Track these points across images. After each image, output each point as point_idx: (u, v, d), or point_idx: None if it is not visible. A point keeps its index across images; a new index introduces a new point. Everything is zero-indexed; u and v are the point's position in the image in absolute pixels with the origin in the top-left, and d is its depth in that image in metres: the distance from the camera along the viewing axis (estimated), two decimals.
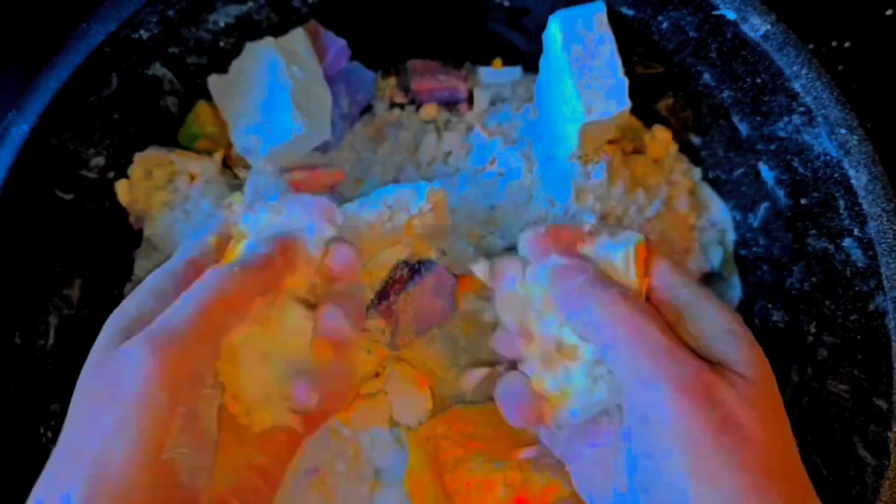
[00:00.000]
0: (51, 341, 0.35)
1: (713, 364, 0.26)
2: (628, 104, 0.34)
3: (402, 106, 0.43)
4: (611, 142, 0.38)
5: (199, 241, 0.31)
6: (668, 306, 0.29)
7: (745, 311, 0.40)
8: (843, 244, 0.33)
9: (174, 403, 0.25)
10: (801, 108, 0.33)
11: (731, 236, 0.41)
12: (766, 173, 0.37)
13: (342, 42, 0.39)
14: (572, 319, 0.29)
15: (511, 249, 0.37)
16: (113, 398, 0.24)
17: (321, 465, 0.35)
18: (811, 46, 0.33)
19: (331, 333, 0.29)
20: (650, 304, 0.29)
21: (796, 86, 0.33)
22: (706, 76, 0.37)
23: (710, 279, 0.41)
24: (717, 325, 0.27)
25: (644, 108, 0.40)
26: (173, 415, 0.25)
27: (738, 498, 0.23)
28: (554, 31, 0.35)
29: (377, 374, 0.37)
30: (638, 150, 0.41)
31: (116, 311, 0.28)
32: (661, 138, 0.41)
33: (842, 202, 0.33)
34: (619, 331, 0.27)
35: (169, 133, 0.39)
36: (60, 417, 0.35)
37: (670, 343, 0.26)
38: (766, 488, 0.23)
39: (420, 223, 0.35)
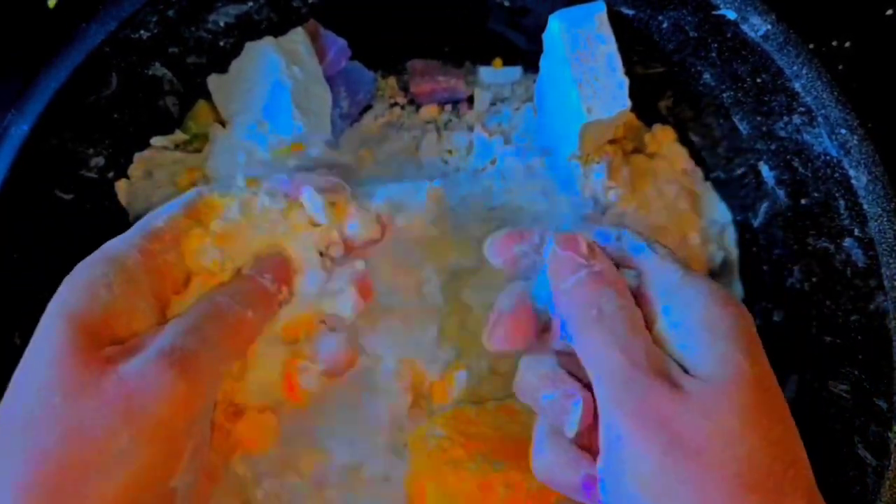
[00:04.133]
0: None
1: (672, 372, 0.25)
2: (628, 104, 0.34)
3: (402, 106, 0.43)
4: (611, 142, 0.38)
5: (166, 212, 0.28)
6: (650, 296, 0.27)
7: None
8: (844, 244, 0.33)
9: (191, 432, 0.24)
10: (802, 108, 0.33)
11: (731, 236, 0.41)
12: (767, 173, 0.37)
13: (342, 42, 0.39)
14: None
15: None
16: (127, 420, 0.23)
17: None
18: (811, 46, 0.33)
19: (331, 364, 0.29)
20: (629, 297, 0.27)
21: (797, 85, 0.33)
22: (706, 76, 0.37)
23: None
24: (697, 317, 0.26)
25: (644, 108, 0.40)
26: (186, 444, 0.24)
27: None
28: (554, 30, 0.35)
29: None
30: (638, 150, 0.41)
31: (64, 301, 0.25)
32: (661, 138, 0.41)
33: (842, 202, 0.33)
34: (586, 346, 0.26)
35: (169, 133, 0.39)
36: None
37: (629, 362, 0.25)
38: (727, 500, 0.22)
39: (420, 222, 0.35)
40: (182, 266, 0.28)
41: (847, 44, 0.43)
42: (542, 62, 0.38)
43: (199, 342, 0.25)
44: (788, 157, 0.35)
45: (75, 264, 0.36)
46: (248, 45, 0.38)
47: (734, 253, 0.41)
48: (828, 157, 0.33)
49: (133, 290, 0.25)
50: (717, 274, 0.41)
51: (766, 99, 0.34)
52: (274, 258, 0.29)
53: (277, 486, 0.34)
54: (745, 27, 0.33)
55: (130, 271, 0.26)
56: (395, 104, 0.42)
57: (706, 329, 0.25)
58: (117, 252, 0.26)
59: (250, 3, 0.37)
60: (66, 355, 0.23)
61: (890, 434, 0.31)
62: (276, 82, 0.36)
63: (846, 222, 0.33)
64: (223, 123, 0.38)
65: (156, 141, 0.38)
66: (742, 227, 0.40)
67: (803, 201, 0.35)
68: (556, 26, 0.35)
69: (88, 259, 0.27)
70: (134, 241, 0.27)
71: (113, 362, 0.23)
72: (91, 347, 0.23)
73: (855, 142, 0.32)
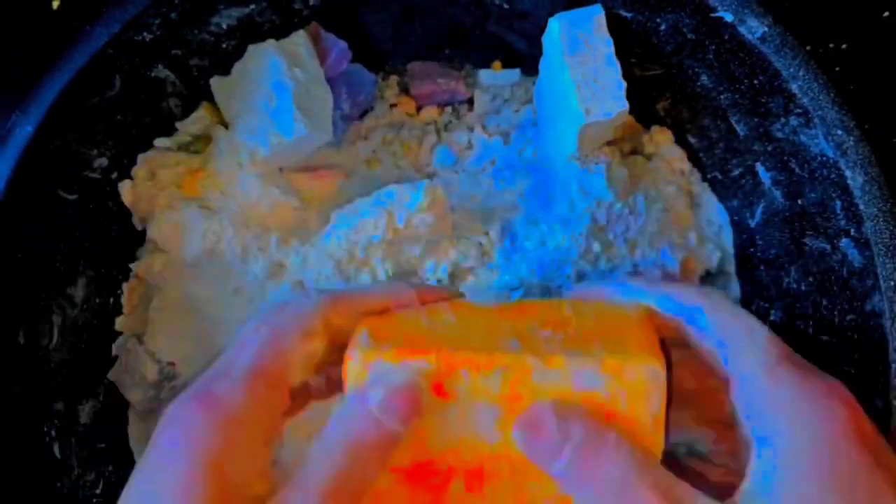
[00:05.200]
0: (54, 341, 0.35)
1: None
2: (627, 106, 0.34)
3: (402, 108, 0.43)
4: (609, 143, 0.39)
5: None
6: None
7: None
8: (840, 244, 0.33)
9: None
10: (799, 110, 0.33)
11: (728, 237, 0.41)
12: (764, 174, 0.37)
13: (343, 44, 0.39)
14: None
15: (511, 249, 0.37)
16: None
17: None
18: (808, 48, 0.33)
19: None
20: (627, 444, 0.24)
21: (794, 87, 0.33)
22: (704, 78, 0.37)
23: (707, 279, 0.41)
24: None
25: (642, 110, 0.40)
26: None
27: None
28: (553, 33, 0.35)
29: None
30: (636, 152, 0.41)
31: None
32: (659, 139, 0.41)
33: (839, 203, 0.33)
34: None
35: (172, 134, 0.39)
36: (63, 416, 0.35)
37: None
38: None
39: (419, 222, 0.35)
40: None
41: (844, 46, 0.43)
42: (542, 64, 0.38)
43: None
44: (785, 158, 0.35)
45: (79, 264, 0.36)
46: (251, 48, 0.38)
47: (731, 253, 0.41)
48: (824, 158, 0.33)
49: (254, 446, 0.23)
50: (714, 274, 0.41)
51: (763, 100, 0.35)
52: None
53: None
54: (742, 29, 0.33)
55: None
56: (396, 106, 0.43)
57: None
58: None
59: (252, 6, 0.37)
60: None
61: (887, 433, 0.31)
62: (278, 84, 0.36)
63: (843, 223, 0.33)
64: (225, 125, 0.39)
65: (159, 142, 0.38)
66: (739, 228, 0.40)
67: (800, 202, 0.35)
68: (556, 29, 0.35)
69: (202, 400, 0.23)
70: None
71: None
72: None
73: (851, 143, 0.32)
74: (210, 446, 0.22)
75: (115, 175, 0.37)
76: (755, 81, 0.34)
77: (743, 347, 0.25)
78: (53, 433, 0.35)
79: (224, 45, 0.38)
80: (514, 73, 0.42)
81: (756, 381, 0.24)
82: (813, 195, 0.34)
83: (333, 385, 0.28)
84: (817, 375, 0.24)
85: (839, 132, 0.32)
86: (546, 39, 0.36)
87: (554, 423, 0.24)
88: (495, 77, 0.42)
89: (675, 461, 0.29)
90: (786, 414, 0.23)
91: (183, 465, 0.22)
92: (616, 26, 0.35)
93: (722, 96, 0.37)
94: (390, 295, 0.28)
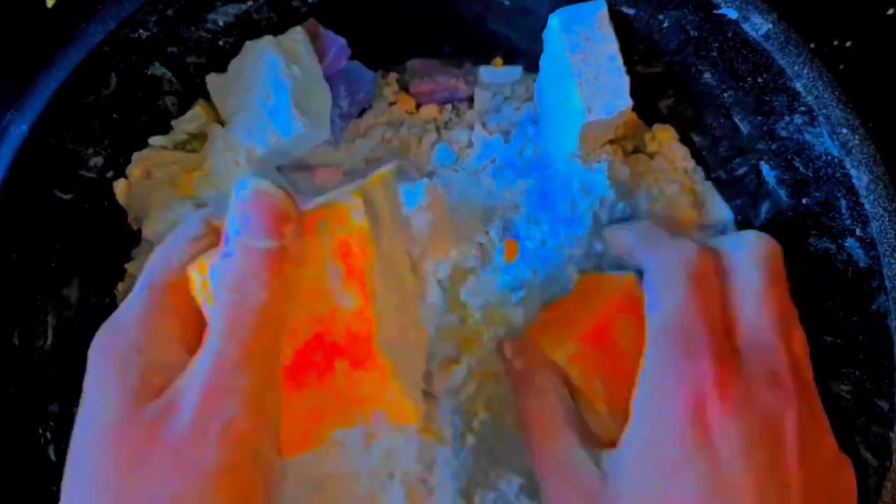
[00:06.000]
0: (49, 342, 0.35)
1: None
2: (629, 103, 0.34)
3: (401, 105, 0.42)
4: (611, 141, 0.38)
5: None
6: None
7: None
8: (845, 244, 0.33)
9: (258, 460, 0.22)
10: (803, 108, 0.33)
11: None
12: (768, 173, 0.37)
13: (342, 41, 0.39)
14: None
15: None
16: (190, 483, 0.21)
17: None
18: (813, 46, 0.33)
19: None
20: None
21: (798, 85, 0.33)
22: (707, 75, 0.37)
23: None
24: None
25: (645, 108, 0.40)
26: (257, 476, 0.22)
27: None
28: (554, 29, 0.35)
29: None
30: (639, 150, 0.41)
31: (101, 375, 0.23)
32: (662, 138, 0.41)
33: (843, 202, 0.32)
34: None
35: (167, 132, 0.39)
36: (58, 418, 0.35)
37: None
38: None
39: (419, 221, 0.35)
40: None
41: (848, 43, 0.42)
42: (543, 61, 0.38)
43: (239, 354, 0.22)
44: (789, 156, 0.35)
45: (73, 264, 0.36)
46: (248, 44, 0.37)
47: None
48: (829, 157, 0.33)
49: (162, 341, 0.24)
50: None
51: (767, 98, 0.34)
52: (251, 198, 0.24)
53: None
54: (746, 26, 0.33)
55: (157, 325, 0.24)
56: (395, 103, 0.42)
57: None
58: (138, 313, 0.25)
59: (250, 3, 0.37)
60: (113, 431, 0.22)
61: (891, 435, 0.31)
62: (276, 81, 0.36)
63: (847, 222, 0.32)
64: (222, 123, 0.38)
65: (155, 141, 0.38)
66: (743, 227, 0.40)
67: (804, 201, 0.35)
68: (557, 25, 0.34)
69: (112, 324, 0.25)
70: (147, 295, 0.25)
71: (158, 424, 0.21)
72: (136, 416, 0.22)
73: (856, 141, 0.32)
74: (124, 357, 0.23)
75: (110, 174, 0.37)
76: (759, 79, 0.34)
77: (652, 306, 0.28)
78: (48, 435, 0.35)
79: (221, 43, 0.38)
80: (516, 71, 0.42)
81: (649, 349, 0.27)
82: (818, 194, 0.34)
83: None
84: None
85: (844, 130, 0.32)
86: (547, 36, 0.36)
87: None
88: (496, 74, 0.42)
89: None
90: (650, 388, 0.26)
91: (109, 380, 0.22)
92: (618, 23, 0.35)
93: (725, 94, 0.37)
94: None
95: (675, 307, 0.27)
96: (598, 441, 0.28)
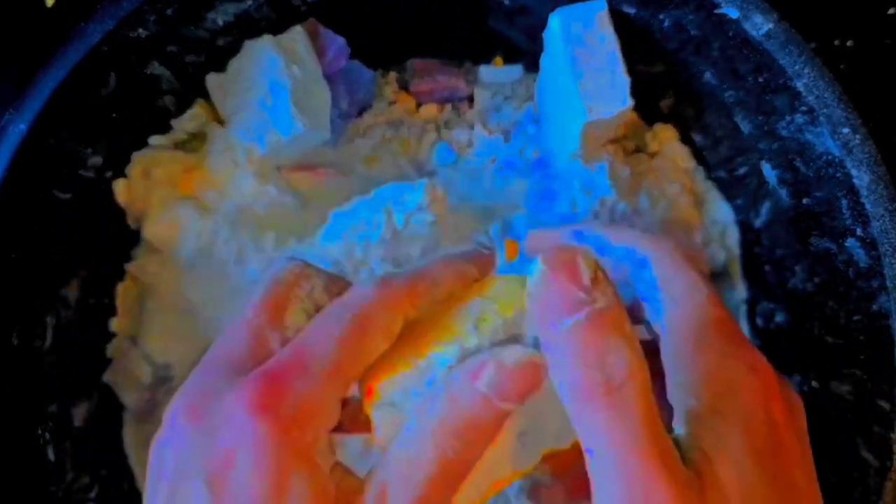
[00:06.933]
0: (48, 342, 0.35)
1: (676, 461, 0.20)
2: (630, 103, 0.34)
3: (401, 105, 0.42)
4: (612, 141, 0.38)
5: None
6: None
7: (749, 311, 0.40)
8: (846, 244, 0.33)
9: None
10: (804, 108, 0.33)
11: (733, 236, 0.40)
12: (769, 172, 0.37)
13: (341, 40, 0.39)
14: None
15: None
16: None
17: None
18: (813, 45, 0.33)
19: None
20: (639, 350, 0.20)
21: (798, 85, 0.32)
22: (708, 75, 0.37)
23: (713, 279, 0.41)
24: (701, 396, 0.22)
25: (646, 107, 0.40)
26: None
27: None
28: (555, 29, 0.35)
29: None
30: (640, 150, 0.41)
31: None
32: (662, 137, 0.41)
33: (844, 202, 0.32)
34: (587, 425, 0.20)
35: (167, 132, 0.39)
36: (58, 418, 0.35)
37: (643, 463, 0.19)
38: None
39: (419, 221, 0.35)
40: None
41: (849, 43, 0.42)
42: (543, 61, 0.37)
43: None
44: (790, 156, 0.35)
45: (73, 264, 0.36)
46: (247, 44, 0.37)
47: (736, 253, 0.40)
48: (830, 157, 0.32)
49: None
50: (720, 274, 0.41)
51: (767, 98, 0.34)
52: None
53: None
54: (746, 26, 0.33)
55: None
56: (395, 103, 0.42)
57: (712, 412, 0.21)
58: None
59: (249, 2, 0.37)
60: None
61: (892, 435, 0.30)
62: (275, 81, 0.36)
63: (848, 222, 0.32)
64: (222, 123, 0.38)
65: (154, 140, 0.38)
66: (744, 227, 0.40)
67: (805, 201, 0.35)
68: (557, 25, 0.34)
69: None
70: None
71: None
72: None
73: (857, 141, 0.32)
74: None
75: (109, 174, 0.37)
76: (760, 79, 0.34)
77: (677, 305, 0.25)
78: (47, 436, 0.34)
79: (220, 42, 0.37)
80: (516, 70, 0.42)
81: (680, 343, 0.24)
82: (819, 194, 0.34)
83: None
84: (738, 348, 0.23)
85: (844, 130, 0.32)
86: (547, 35, 0.36)
87: (588, 271, 0.20)
88: (496, 74, 0.42)
89: None
90: (703, 380, 0.22)
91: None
92: (618, 22, 0.35)
93: (726, 94, 0.37)
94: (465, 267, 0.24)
95: (702, 303, 0.24)
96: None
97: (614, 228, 0.28)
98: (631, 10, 0.36)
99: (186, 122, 0.38)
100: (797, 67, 0.32)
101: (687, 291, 0.25)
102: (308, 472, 0.20)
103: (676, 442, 0.21)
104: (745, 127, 0.37)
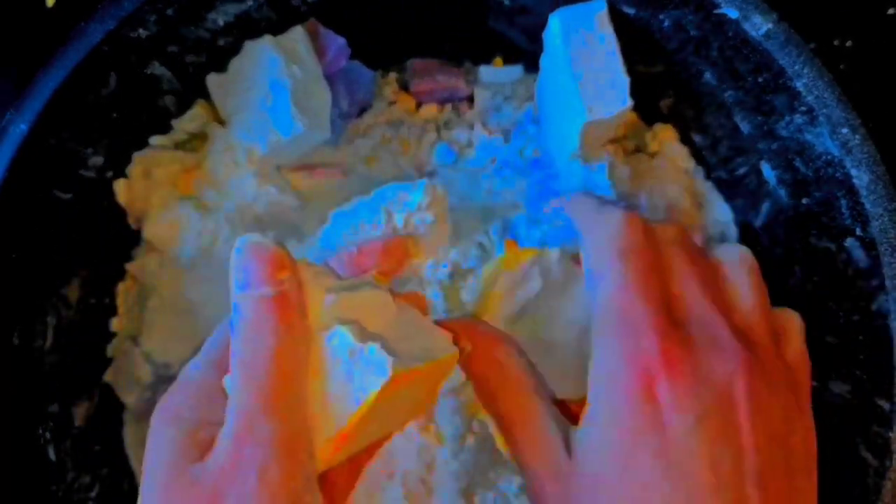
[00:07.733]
0: (49, 342, 0.35)
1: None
2: (629, 103, 0.34)
3: (401, 105, 0.42)
4: (612, 141, 0.38)
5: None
6: None
7: None
8: (845, 244, 0.33)
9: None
10: (803, 108, 0.33)
11: (733, 236, 0.40)
12: (768, 173, 0.37)
13: (342, 41, 0.39)
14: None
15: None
16: None
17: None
18: (813, 45, 0.33)
19: None
20: None
21: (798, 85, 0.33)
22: (707, 75, 0.37)
23: None
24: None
25: (645, 108, 0.40)
26: None
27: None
28: (555, 29, 0.35)
29: None
30: (639, 150, 0.41)
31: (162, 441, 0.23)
32: (662, 137, 0.41)
33: (844, 202, 0.32)
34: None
35: (167, 132, 0.39)
36: (58, 418, 0.35)
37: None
38: None
39: (419, 221, 0.35)
40: None
41: (849, 43, 0.42)
42: (543, 61, 0.37)
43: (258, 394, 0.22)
44: (790, 156, 0.35)
45: (73, 264, 0.36)
46: (247, 44, 0.37)
47: None
48: (829, 157, 0.33)
49: (211, 399, 0.24)
50: None
51: (767, 98, 0.34)
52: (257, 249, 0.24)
53: None
54: (746, 26, 0.33)
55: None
56: (395, 103, 0.42)
57: None
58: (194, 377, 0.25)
59: (250, 2, 0.37)
60: (160, 487, 0.22)
61: (891, 434, 0.30)
62: (276, 81, 0.36)
63: (848, 222, 0.32)
64: (222, 123, 0.38)
65: (154, 140, 0.38)
66: (744, 227, 0.40)
67: (805, 201, 0.35)
68: (557, 25, 0.34)
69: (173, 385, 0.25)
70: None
71: (198, 479, 0.22)
72: (180, 473, 0.22)
73: (857, 141, 0.32)
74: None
75: (109, 174, 0.37)
76: (759, 79, 0.34)
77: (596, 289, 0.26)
78: (48, 435, 0.34)
79: (221, 42, 0.37)
80: (516, 70, 0.42)
81: (594, 330, 0.26)
82: (818, 194, 0.34)
83: None
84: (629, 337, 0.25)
85: (844, 130, 0.32)
86: (546, 36, 0.36)
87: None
88: (496, 74, 0.42)
89: None
90: (600, 370, 0.25)
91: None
92: (618, 22, 0.35)
93: (726, 94, 0.37)
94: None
95: (610, 287, 0.26)
96: (562, 415, 0.27)
97: (576, 202, 0.31)
98: (631, 11, 0.36)
99: (187, 122, 0.38)
100: (797, 68, 0.32)
101: (601, 277, 0.26)
102: None
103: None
104: (745, 127, 0.37)
